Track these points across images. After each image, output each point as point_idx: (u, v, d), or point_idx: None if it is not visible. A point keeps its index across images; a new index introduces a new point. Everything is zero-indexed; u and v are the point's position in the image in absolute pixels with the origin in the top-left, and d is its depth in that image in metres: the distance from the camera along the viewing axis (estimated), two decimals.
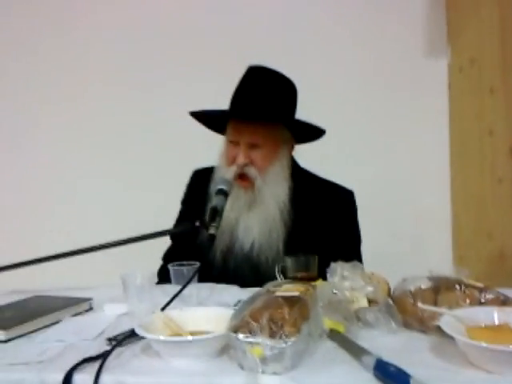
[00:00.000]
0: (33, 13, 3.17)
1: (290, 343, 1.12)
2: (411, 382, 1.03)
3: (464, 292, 1.35)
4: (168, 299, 1.48)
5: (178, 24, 3.06)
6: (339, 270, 1.46)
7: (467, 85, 2.94)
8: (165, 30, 3.07)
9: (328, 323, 1.30)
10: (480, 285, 1.37)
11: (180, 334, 1.26)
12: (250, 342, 1.13)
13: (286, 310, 1.19)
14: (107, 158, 3.11)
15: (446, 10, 2.97)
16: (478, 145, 2.90)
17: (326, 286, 1.41)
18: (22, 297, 1.68)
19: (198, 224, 1.57)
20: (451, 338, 1.15)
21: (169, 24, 3.07)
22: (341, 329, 1.30)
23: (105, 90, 3.10)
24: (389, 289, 1.51)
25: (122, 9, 3.13)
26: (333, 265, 1.49)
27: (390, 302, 1.39)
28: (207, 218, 1.61)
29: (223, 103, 2.00)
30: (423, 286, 1.40)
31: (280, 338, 1.13)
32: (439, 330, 1.21)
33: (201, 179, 2.05)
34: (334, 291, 1.37)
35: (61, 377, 1.15)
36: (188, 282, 1.54)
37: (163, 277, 1.79)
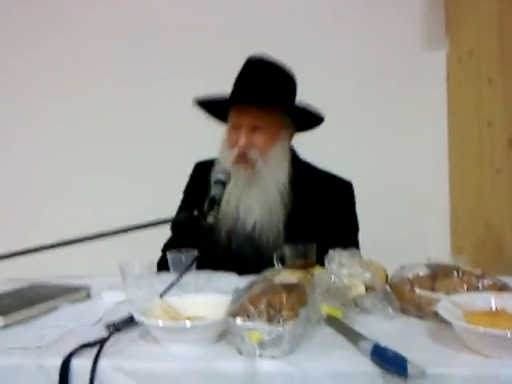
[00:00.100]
0: (31, 9, 3.16)
1: (287, 328, 1.13)
2: (408, 365, 1.03)
3: (461, 278, 1.35)
4: (166, 287, 1.48)
5: (177, 18, 3.06)
6: (337, 257, 1.46)
7: (466, 76, 2.94)
8: (164, 24, 3.07)
9: (326, 309, 1.31)
10: (477, 271, 1.38)
11: (178, 320, 1.27)
12: (248, 327, 1.13)
13: (284, 296, 1.20)
14: (104, 150, 3.11)
15: (445, 1, 2.97)
16: (476, 136, 2.90)
17: (324, 273, 1.42)
18: (20, 285, 1.68)
19: (196, 213, 1.57)
20: (448, 323, 1.16)
21: (168, 18, 3.07)
22: (338, 315, 1.31)
23: (101, 83, 3.11)
24: (386, 276, 1.52)
25: (121, 2, 3.13)
26: (331, 252, 1.50)
27: (388, 288, 1.39)
28: (205, 207, 1.62)
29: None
30: (421, 273, 1.40)
31: (278, 322, 1.14)
32: (436, 315, 1.22)
33: (202, 170, 2.08)
34: (332, 278, 1.37)
35: (59, 362, 1.15)
36: (187, 269, 1.54)
37: (163, 267, 1.80)
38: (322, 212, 2.00)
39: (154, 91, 3.07)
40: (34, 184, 3.18)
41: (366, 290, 1.40)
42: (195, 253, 1.64)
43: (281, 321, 1.14)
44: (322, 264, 1.53)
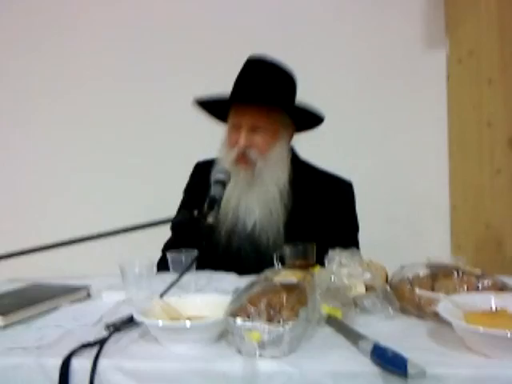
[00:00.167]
0: (30, 8, 3.16)
1: (287, 328, 1.13)
2: (408, 366, 1.03)
3: (462, 279, 1.35)
4: (166, 287, 1.48)
5: (177, 17, 3.06)
6: (337, 257, 1.46)
7: (466, 76, 2.94)
8: (164, 23, 3.07)
9: (326, 309, 1.30)
10: (478, 271, 1.38)
11: (178, 319, 1.27)
12: (248, 327, 1.13)
13: (284, 296, 1.20)
14: (104, 151, 3.11)
15: (445, 1, 2.97)
16: (476, 136, 2.90)
17: (324, 273, 1.42)
18: (19, 285, 1.68)
19: (196, 213, 1.57)
20: (448, 323, 1.16)
21: (168, 17, 3.07)
22: (338, 314, 1.31)
23: (100, 83, 3.11)
24: (386, 275, 1.52)
25: (121, 2, 3.13)
26: (331, 252, 1.50)
27: (388, 288, 1.39)
28: (205, 207, 1.62)
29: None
30: (421, 273, 1.40)
31: (278, 322, 1.14)
32: (436, 315, 1.21)
33: (202, 170, 2.08)
34: (332, 278, 1.37)
35: (59, 362, 1.15)
36: (187, 269, 1.54)
37: (163, 267, 1.80)
38: (322, 212, 2.01)
39: (153, 91, 3.07)
40: (33, 184, 3.18)
41: (366, 289, 1.39)
42: (195, 253, 1.64)
43: (281, 321, 1.14)
44: (322, 264, 1.53)
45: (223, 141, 2.05)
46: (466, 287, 1.32)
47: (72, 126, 3.14)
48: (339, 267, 1.42)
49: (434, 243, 2.91)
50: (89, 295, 1.63)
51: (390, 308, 1.34)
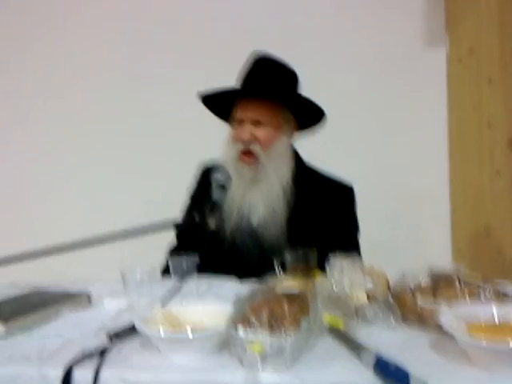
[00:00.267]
0: (26, 5, 3.15)
1: (289, 340, 1.13)
2: (411, 380, 1.03)
3: (463, 288, 1.35)
4: (167, 293, 1.48)
5: (176, 11, 3.06)
6: (339, 265, 1.46)
7: (466, 75, 2.94)
8: (163, 18, 3.07)
9: (327, 318, 1.30)
10: (479, 282, 1.38)
11: (180, 328, 1.26)
12: (250, 339, 1.13)
13: (285, 306, 1.20)
14: (104, 151, 3.11)
15: (445, 0, 2.96)
16: (476, 137, 2.90)
17: (326, 282, 1.41)
18: (20, 290, 1.68)
19: (198, 219, 1.58)
20: (450, 334, 1.15)
21: (167, 11, 3.07)
22: (340, 324, 1.31)
23: (99, 78, 3.11)
24: (388, 283, 1.51)
25: None
26: (332, 260, 1.49)
27: (390, 298, 1.39)
28: (207, 212, 1.64)
29: None
30: (423, 283, 1.40)
31: (280, 334, 1.13)
32: (438, 326, 1.21)
33: (206, 174, 2.12)
34: (334, 288, 1.37)
35: (61, 372, 1.15)
36: (186, 276, 1.54)
37: (167, 272, 1.81)
38: (323, 213, 2.03)
39: (152, 87, 3.07)
40: (32, 182, 3.18)
41: (368, 298, 1.39)
42: (196, 258, 1.64)
43: (283, 331, 1.14)
44: (323, 267, 1.53)
45: (227, 138, 2.07)
46: (467, 297, 1.32)
47: (71, 122, 3.14)
48: (341, 276, 1.42)
49: (434, 244, 2.91)
50: (90, 302, 1.62)
51: (391, 318, 1.34)
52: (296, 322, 1.17)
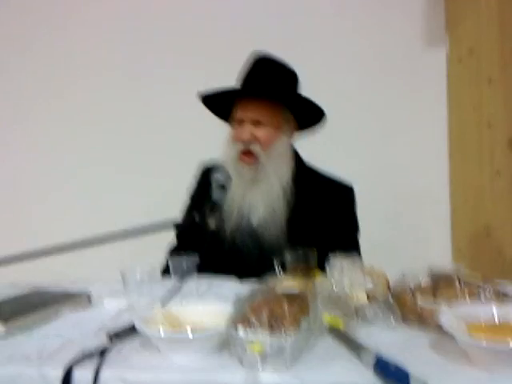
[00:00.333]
0: (26, 5, 3.15)
1: (289, 339, 1.13)
2: (411, 380, 1.03)
3: (463, 288, 1.35)
4: (167, 293, 1.48)
5: (176, 10, 3.06)
6: (339, 265, 1.46)
7: (466, 75, 2.94)
8: (162, 17, 3.07)
9: (327, 318, 1.30)
10: (479, 282, 1.38)
11: (180, 328, 1.26)
12: (250, 339, 1.13)
13: (285, 306, 1.20)
14: (104, 151, 3.10)
15: (445, 0, 2.96)
16: (476, 137, 2.89)
17: (326, 282, 1.42)
18: (20, 290, 1.68)
19: (197, 219, 1.58)
20: (449, 334, 1.15)
21: (167, 11, 3.07)
22: (340, 324, 1.31)
23: (99, 78, 3.11)
24: (388, 283, 1.51)
25: None
26: (332, 260, 1.49)
27: (390, 298, 1.39)
28: (207, 213, 1.64)
29: None
30: (423, 283, 1.40)
31: (280, 334, 1.14)
32: (438, 326, 1.21)
33: (206, 174, 2.12)
34: (334, 287, 1.37)
35: (61, 372, 1.15)
36: (186, 276, 1.54)
37: (168, 272, 1.81)
38: (322, 215, 2.03)
39: (152, 86, 3.07)
40: (32, 181, 3.18)
41: (368, 298, 1.39)
42: (196, 258, 1.64)
43: (283, 331, 1.14)
44: (323, 267, 1.53)
45: (227, 138, 2.07)
46: (467, 297, 1.32)
47: (71, 122, 3.14)
48: (341, 276, 1.42)
49: (434, 244, 2.91)
50: (90, 302, 1.62)
51: (391, 318, 1.34)
52: (296, 322, 1.17)
